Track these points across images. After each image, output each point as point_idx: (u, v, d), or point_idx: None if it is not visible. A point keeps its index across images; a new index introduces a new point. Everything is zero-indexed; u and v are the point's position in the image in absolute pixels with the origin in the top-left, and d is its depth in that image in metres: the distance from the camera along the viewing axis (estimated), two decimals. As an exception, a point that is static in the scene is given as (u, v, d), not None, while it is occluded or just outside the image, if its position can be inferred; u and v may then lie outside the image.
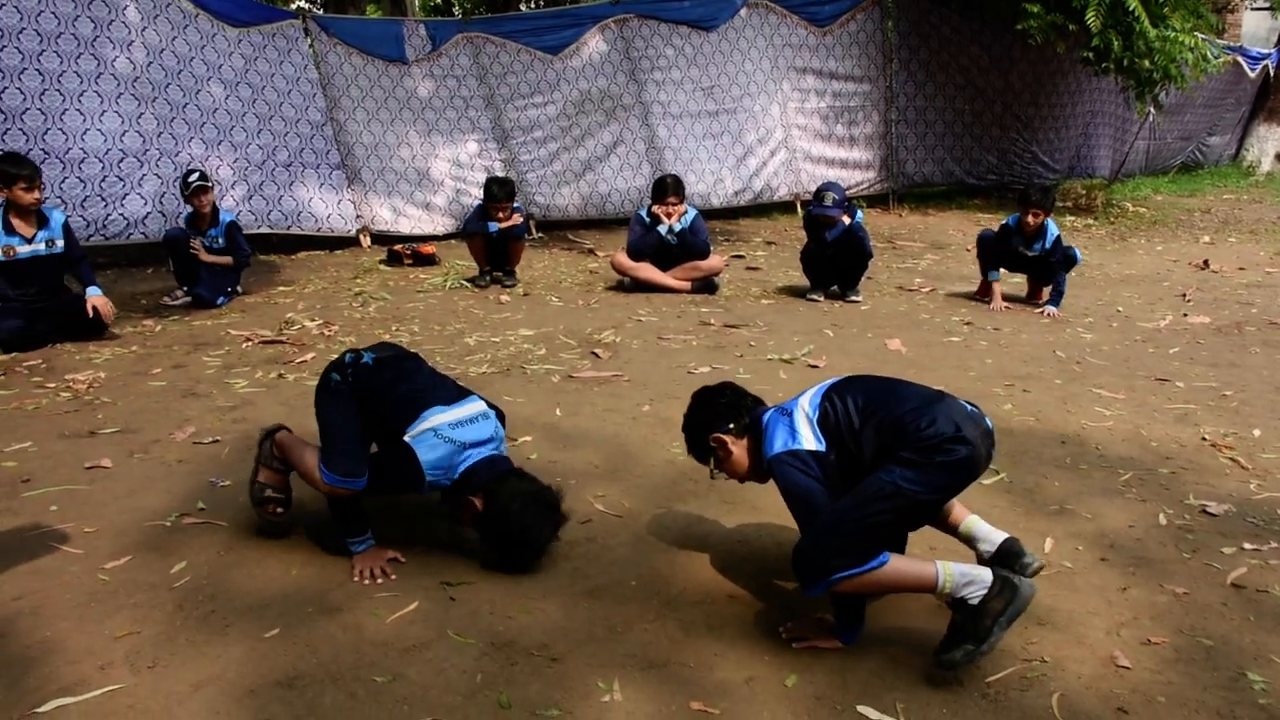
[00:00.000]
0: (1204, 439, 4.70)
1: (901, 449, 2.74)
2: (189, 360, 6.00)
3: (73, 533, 3.60)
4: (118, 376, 5.63)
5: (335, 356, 3.56)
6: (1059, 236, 7.59)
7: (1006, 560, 3.02)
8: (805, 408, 2.95)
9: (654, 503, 3.92)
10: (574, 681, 2.72)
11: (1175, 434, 4.77)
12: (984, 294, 7.99)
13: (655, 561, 3.44)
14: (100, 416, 4.91)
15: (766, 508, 3.67)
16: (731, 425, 3.06)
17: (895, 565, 2.72)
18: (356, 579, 3.26)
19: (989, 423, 2.90)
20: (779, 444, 2.88)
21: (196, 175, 7.64)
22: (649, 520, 3.77)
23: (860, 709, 2.60)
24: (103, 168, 8.81)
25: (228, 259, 7.76)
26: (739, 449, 3.05)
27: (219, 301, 7.60)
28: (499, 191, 8.12)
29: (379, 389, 3.40)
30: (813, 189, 8.34)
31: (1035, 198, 7.55)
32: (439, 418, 3.30)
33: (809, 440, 2.85)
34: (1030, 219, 7.48)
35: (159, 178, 9.05)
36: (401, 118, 10.99)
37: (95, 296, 6.46)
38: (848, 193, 9.24)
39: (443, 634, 2.95)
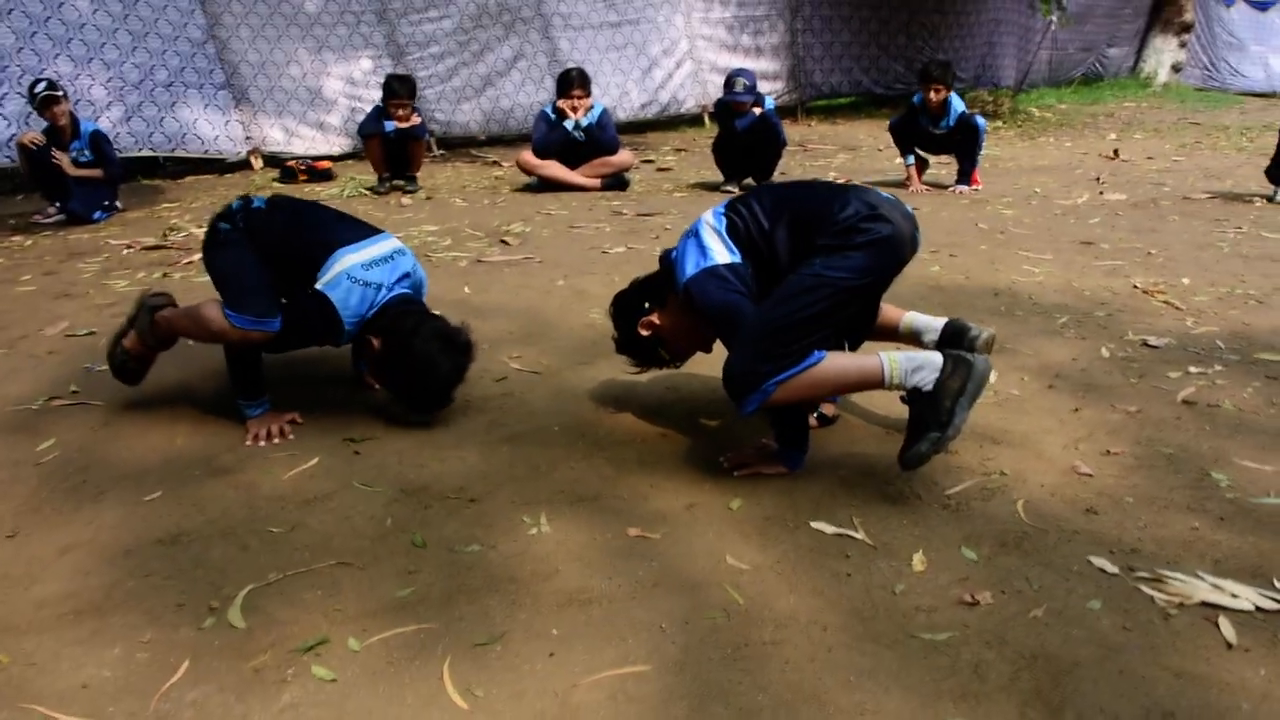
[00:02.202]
0: (1135, 287, 4.58)
1: (818, 238, 2.50)
2: (62, 268, 5.52)
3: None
4: (-18, 285, 5.15)
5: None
6: (964, 112, 7.50)
7: (955, 340, 2.84)
8: (710, 221, 2.67)
9: (574, 361, 3.66)
10: (496, 519, 2.45)
11: (1107, 284, 4.64)
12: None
13: (579, 409, 3.18)
14: (-40, 320, 4.46)
15: (697, 359, 3.41)
16: (647, 303, 2.79)
17: (833, 361, 2.47)
18: (250, 442, 2.94)
19: (910, 209, 2.66)
20: (690, 265, 2.60)
21: (44, 85, 6.96)
22: (569, 375, 3.50)
23: (814, 524, 2.38)
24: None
25: (97, 171, 7.14)
26: (669, 317, 2.76)
27: (95, 216, 7.05)
28: (399, 88, 7.68)
29: (277, 233, 3.03)
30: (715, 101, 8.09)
31: (935, 73, 7.45)
32: (350, 258, 2.94)
33: (721, 254, 2.57)
34: (932, 95, 7.40)
35: (22, 96, 8.35)
36: (289, 34, 10.36)
37: None
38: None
39: (347, 485, 2.65)
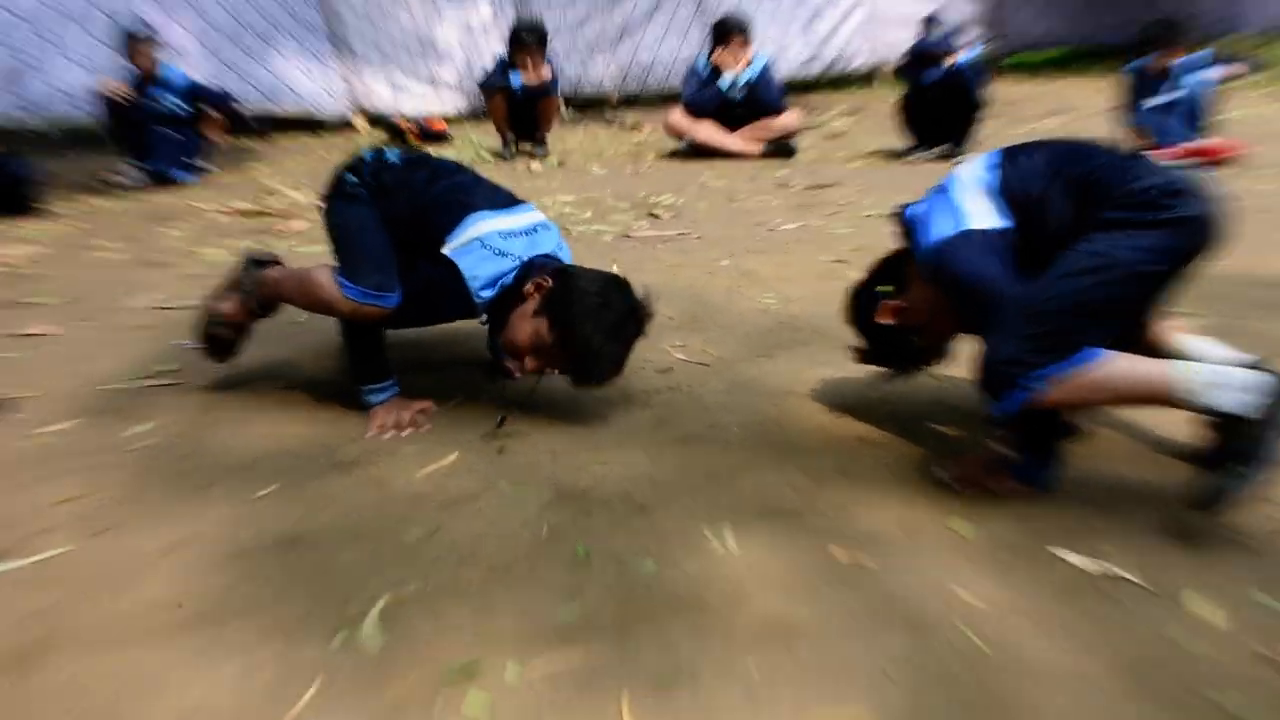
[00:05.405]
0: None
1: (1105, 210, 2.37)
2: (147, 234, 5.74)
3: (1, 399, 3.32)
4: (59, 251, 5.40)
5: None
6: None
7: None
8: (971, 174, 2.57)
9: (749, 351, 3.62)
10: (671, 532, 2.40)
11: None
12: None
13: (760, 407, 3.13)
14: (38, 287, 4.64)
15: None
16: (879, 287, 2.73)
17: (1121, 361, 2.32)
18: (375, 433, 2.97)
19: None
20: (944, 227, 2.49)
21: (132, 28, 7.28)
22: (745, 368, 3.47)
23: (1064, 556, 2.26)
24: (33, 32, 8.51)
25: (217, 116, 7.50)
26: (913, 295, 2.67)
27: (182, 178, 7.30)
28: (528, 37, 7.76)
29: (409, 193, 3.05)
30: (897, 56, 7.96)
31: (1161, 34, 7.26)
32: (487, 224, 2.94)
33: (982, 216, 2.46)
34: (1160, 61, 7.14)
35: (103, 43, 8.69)
36: (397, -24, 10.62)
37: None
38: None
39: (492, 485, 2.65)
